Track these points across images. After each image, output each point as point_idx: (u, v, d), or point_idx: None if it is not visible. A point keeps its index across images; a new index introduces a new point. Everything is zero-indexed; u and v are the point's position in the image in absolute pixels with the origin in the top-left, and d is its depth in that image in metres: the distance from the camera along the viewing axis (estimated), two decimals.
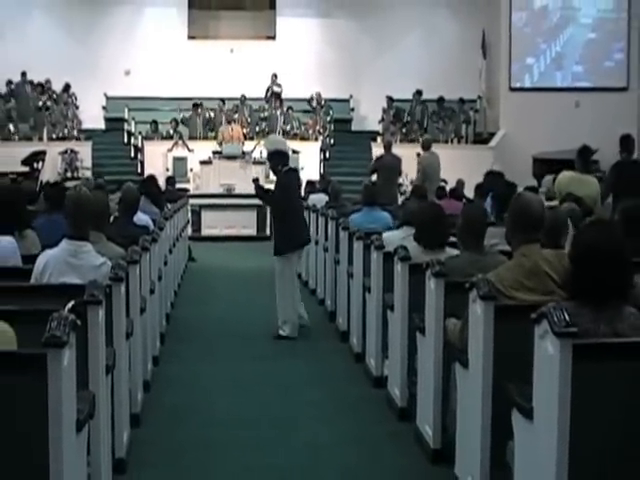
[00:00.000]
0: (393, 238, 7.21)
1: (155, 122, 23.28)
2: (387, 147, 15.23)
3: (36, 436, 3.43)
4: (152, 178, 11.39)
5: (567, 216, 6.05)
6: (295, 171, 9.65)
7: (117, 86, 24.39)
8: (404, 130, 23.27)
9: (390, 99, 23.89)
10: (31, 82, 23.50)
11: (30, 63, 23.09)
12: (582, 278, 3.86)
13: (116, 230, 6.99)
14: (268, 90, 24.48)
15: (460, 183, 14.27)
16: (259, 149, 18.75)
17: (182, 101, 24.00)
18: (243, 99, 23.78)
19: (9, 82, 23.34)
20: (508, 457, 4.19)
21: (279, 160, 9.37)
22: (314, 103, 24.27)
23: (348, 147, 23.93)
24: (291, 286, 9.30)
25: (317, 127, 23.87)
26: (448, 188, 13.61)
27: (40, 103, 23.08)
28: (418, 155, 14.46)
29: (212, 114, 23.69)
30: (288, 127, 23.49)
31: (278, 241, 9.35)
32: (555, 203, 8.25)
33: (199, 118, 23.35)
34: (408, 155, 15.11)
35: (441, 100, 23.42)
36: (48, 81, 23.48)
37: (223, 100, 23.64)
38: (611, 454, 3.66)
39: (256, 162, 19.76)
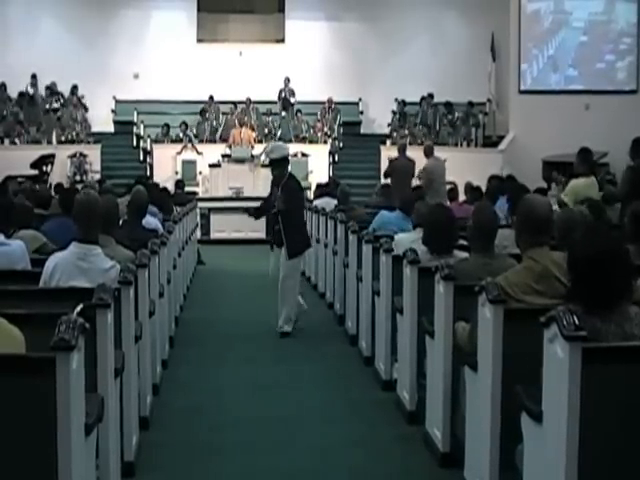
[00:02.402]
0: (405, 240, 7.19)
1: (167, 125, 23.36)
2: (401, 150, 15.20)
3: (45, 439, 3.43)
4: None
5: (580, 218, 6.02)
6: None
7: (126, 89, 24.43)
8: (409, 133, 23.22)
9: (402, 102, 23.88)
10: (42, 86, 23.58)
11: (40, 67, 23.20)
12: (588, 284, 3.83)
13: (125, 233, 6.99)
14: (280, 93, 24.51)
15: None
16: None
17: (191, 104, 24.05)
18: (248, 102, 23.79)
19: (21, 92, 23.42)
20: (517, 460, 4.17)
21: (285, 166, 9.60)
22: (326, 107, 24.27)
23: (357, 150, 23.95)
24: (296, 285, 9.58)
25: (325, 129, 23.88)
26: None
27: (49, 106, 23.14)
28: (420, 173, 14.42)
29: (221, 117, 23.77)
30: (297, 131, 23.53)
31: (293, 244, 9.46)
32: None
33: (208, 122, 23.40)
34: (416, 158, 15.05)
35: (449, 105, 23.39)
36: (57, 85, 23.55)
37: (235, 103, 23.69)
38: (620, 457, 3.64)
39: (265, 165, 19.76)
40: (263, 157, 8.86)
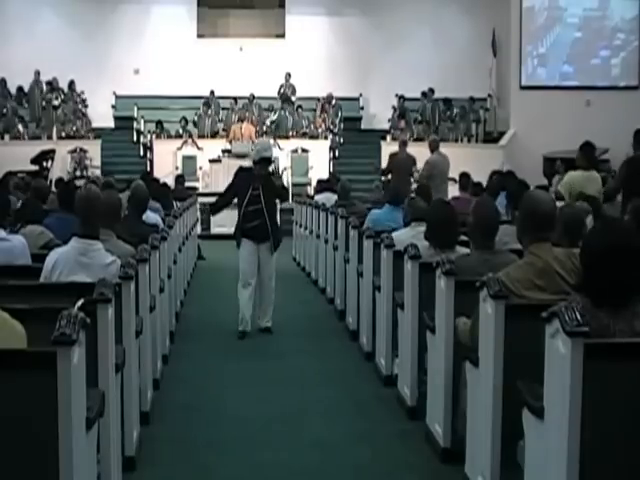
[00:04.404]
0: (403, 237, 7.18)
1: (160, 122, 23.32)
2: (402, 145, 15.18)
3: (46, 434, 3.42)
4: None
5: (584, 214, 6.02)
6: None
7: (126, 85, 24.45)
8: (407, 128, 23.20)
9: (402, 98, 23.86)
10: (42, 82, 23.55)
11: (39, 62, 23.18)
12: (599, 278, 3.79)
13: (125, 228, 6.98)
14: (281, 88, 24.47)
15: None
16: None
17: (191, 100, 24.03)
18: (252, 98, 23.78)
19: (20, 88, 23.38)
20: (518, 456, 4.17)
21: (269, 165, 9.61)
22: (326, 102, 24.25)
23: (357, 146, 23.95)
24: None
25: (325, 125, 23.86)
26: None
27: (49, 101, 23.12)
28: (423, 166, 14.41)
29: (222, 112, 23.76)
30: (297, 126, 23.51)
31: (278, 238, 9.50)
32: (563, 203, 8.21)
33: (209, 119, 23.38)
34: (415, 154, 15.03)
35: (448, 101, 23.37)
36: (57, 80, 23.53)
37: (235, 99, 23.68)
38: (622, 454, 3.63)
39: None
40: (254, 154, 8.90)
